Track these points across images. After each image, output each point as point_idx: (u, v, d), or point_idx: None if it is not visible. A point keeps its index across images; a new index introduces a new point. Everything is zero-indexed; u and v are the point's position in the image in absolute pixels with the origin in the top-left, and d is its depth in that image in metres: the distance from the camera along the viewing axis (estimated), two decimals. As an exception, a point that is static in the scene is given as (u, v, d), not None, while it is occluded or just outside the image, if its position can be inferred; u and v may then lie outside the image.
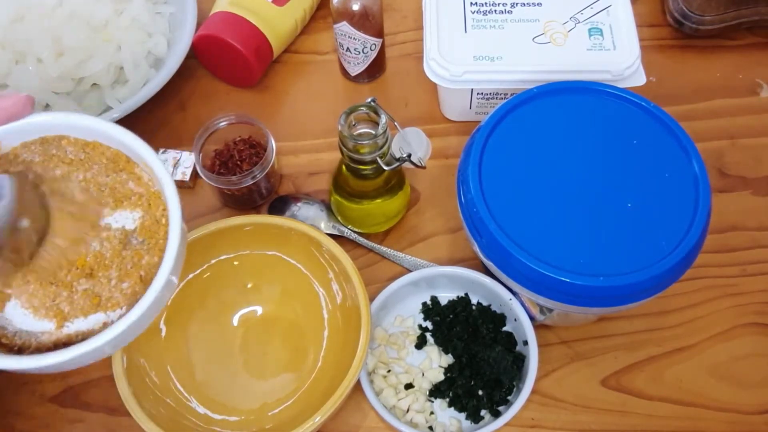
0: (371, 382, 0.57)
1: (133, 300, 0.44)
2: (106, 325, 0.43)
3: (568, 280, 0.48)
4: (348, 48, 0.70)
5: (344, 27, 0.68)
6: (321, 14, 0.78)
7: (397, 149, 0.64)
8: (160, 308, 0.44)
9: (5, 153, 0.46)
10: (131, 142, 0.46)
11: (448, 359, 0.59)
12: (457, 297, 0.62)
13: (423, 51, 0.66)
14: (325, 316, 0.61)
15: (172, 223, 0.45)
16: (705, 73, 0.75)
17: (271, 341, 0.61)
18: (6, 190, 0.41)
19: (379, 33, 0.70)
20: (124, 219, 0.46)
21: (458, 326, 0.59)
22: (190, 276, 0.60)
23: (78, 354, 0.41)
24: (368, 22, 0.68)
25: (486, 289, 0.59)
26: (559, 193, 0.51)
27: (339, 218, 0.65)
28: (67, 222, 0.45)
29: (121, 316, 0.43)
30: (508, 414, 0.54)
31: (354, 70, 0.73)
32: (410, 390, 0.58)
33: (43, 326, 0.43)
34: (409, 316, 0.62)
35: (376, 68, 0.73)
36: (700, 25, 0.74)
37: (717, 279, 0.64)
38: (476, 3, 0.68)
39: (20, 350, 0.43)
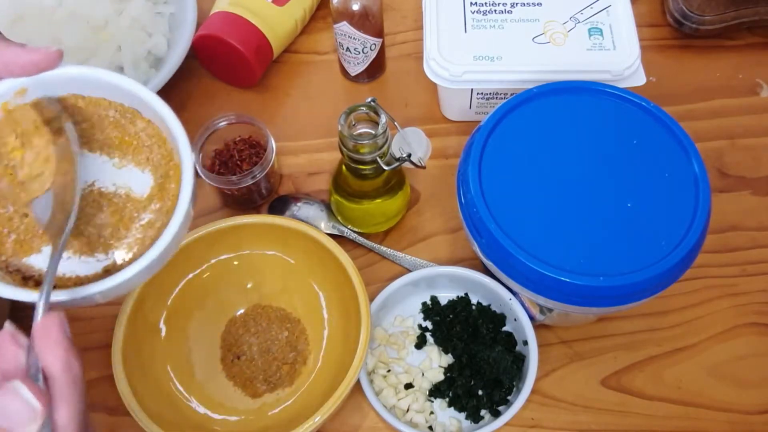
0: (371, 382, 0.57)
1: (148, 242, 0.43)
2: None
3: (568, 280, 0.48)
4: (348, 48, 0.70)
5: (344, 27, 0.68)
6: (321, 14, 0.78)
7: (397, 149, 0.64)
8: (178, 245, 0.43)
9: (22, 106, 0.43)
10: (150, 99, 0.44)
11: (448, 359, 0.59)
12: (457, 297, 0.62)
13: (423, 51, 0.66)
14: (325, 316, 0.61)
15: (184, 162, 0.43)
16: (705, 73, 0.75)
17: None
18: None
19: (379, 33, 0.70)
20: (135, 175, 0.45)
21: (458, 326, 0.60)
22: (190, 276, 0.61)
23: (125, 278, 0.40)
24: (368, 22, 0.68)
25: (486, 289, 0.59)
26: (559, 193, 0.51)
27: (339, 218, 0.65)
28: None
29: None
30: (508, 414, 0.54)
31: (354, 70, 0.73)
32: (410, 390, 0.58)
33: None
34: (409, 316, 0.62)
35: (376, 68, 0.73)
36: (700, 25, 0.74)
37: (717, 279, 0.64)
38: (476, 3, 0.68)
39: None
